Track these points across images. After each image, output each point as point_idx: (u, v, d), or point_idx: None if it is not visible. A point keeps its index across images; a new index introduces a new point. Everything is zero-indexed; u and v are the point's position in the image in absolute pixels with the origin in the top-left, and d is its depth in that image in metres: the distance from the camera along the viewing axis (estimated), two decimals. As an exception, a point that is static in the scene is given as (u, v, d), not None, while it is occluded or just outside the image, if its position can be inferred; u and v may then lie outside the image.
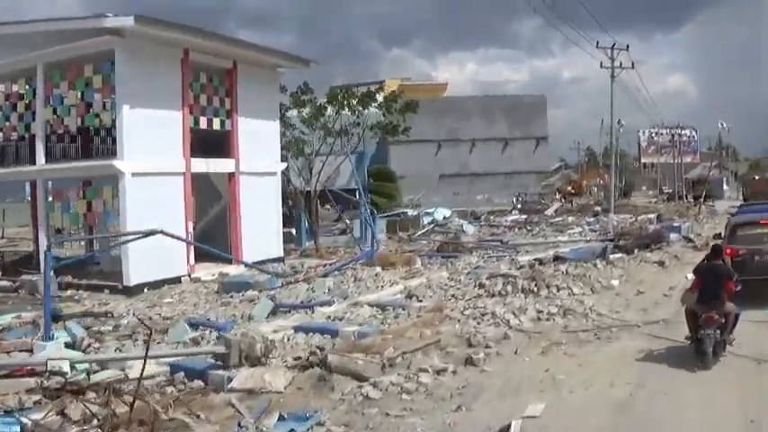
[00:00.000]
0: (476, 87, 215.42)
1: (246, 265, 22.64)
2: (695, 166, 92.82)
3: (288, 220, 31.64)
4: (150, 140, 21.33)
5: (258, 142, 25.45)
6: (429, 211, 42.57)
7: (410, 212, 41.33)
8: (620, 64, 41.39)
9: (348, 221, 33.23)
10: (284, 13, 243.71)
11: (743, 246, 14.47)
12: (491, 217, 44.33)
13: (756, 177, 72.36)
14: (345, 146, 30.42)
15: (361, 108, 30.20)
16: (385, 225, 35.25)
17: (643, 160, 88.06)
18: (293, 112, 30.60)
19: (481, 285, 16.34)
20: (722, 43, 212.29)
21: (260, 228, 25.17)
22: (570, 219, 41.66)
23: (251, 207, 24.94)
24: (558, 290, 15.55)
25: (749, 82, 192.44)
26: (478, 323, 13.08)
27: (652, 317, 13.40)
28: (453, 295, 15.97)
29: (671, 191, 73.73)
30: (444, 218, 41.39)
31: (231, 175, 24.69)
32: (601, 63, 41.42)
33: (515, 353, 11.30)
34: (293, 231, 32.02)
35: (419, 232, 35.17)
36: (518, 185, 63.23)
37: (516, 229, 36.64)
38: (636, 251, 21.53)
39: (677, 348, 10.89)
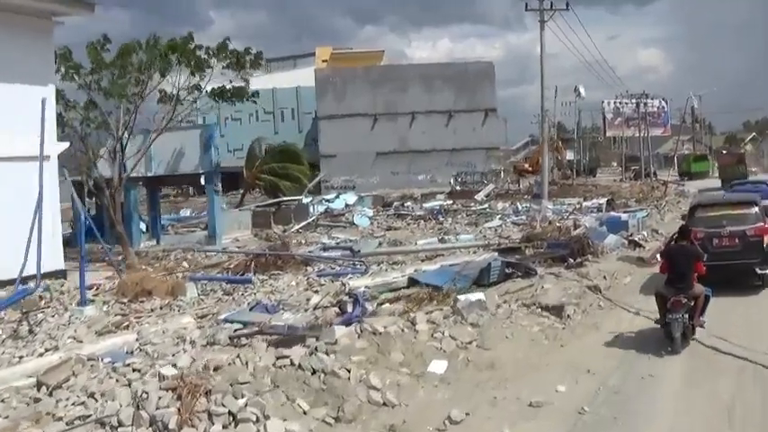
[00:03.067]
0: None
1: None
2: (666, 139, 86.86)
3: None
4: None
5: (17, 117, 18.73)
6: (328, 198, 35.18)
7: (304, 200, 34.40)
8: (551, 5, 33.02)
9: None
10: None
11: (701, 228, 13.77)
12: (407, 203, 37.54)
13: (724, 152, 68.32)
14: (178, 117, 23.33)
15: (193, 64, 22.76)
16: (250, 218, 28.55)
17: (609, 133, 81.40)
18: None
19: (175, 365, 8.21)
20: (699, 15, 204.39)
21: (23, 233, 18.55)
22: (500, 205, 35.27)
23: (6, 205, 18.31)
24: (237, 423, 6.92)
25: (728, 56, 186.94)
26: None
27: None
28: (93, 397, 7.60)
29: (637, 168, 68.05)
30: (347, 205, 34.60)
31: (-33, 164, 17.99)
32: (526, 5, 33.48)
33: None
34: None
35: (297, 226, 28.48)
36: (464, 163, 55.99)
37: (423, 222, 30.25)
38: (539, 273, 14.51)
39: None
